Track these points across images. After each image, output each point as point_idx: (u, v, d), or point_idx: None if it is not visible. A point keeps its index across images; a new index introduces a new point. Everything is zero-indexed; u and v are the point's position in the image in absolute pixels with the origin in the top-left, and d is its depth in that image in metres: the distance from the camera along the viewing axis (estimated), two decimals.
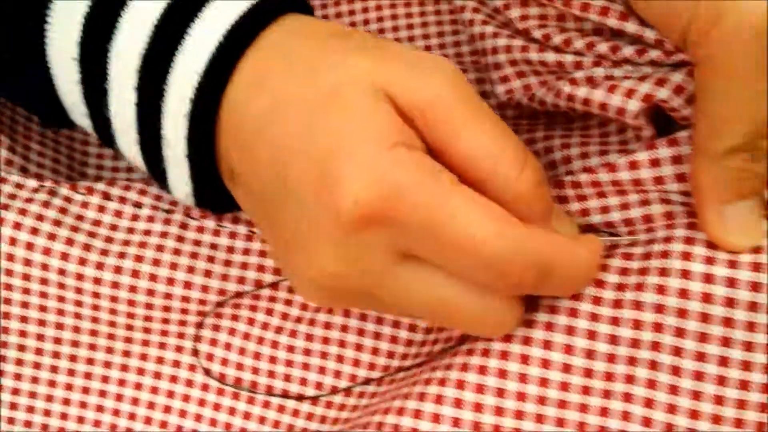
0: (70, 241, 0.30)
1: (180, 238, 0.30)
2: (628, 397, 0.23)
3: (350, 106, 0.22)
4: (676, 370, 0.23)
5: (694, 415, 0.22)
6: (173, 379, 0.30)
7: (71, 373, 0.31)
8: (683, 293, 0.23)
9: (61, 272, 0.30)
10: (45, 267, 0.30)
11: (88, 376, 0.31)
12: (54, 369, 0.31)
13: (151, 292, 0.29)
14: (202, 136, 0.26)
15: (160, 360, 0.30)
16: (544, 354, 0.24)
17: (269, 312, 0.30)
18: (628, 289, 0.24)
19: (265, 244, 0.30)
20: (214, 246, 0.30)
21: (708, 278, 0.23)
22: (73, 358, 0.31)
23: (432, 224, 0.21)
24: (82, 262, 0.30)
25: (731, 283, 0.22)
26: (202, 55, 0.25)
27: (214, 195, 0.27)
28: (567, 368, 0.24)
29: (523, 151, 0.23)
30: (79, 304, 0.30)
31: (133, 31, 0.26)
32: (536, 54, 0.27)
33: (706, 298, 0.22)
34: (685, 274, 0.23)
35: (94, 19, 0.26)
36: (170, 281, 0.29)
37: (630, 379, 0.23)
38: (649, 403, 0.23)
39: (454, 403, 0.24)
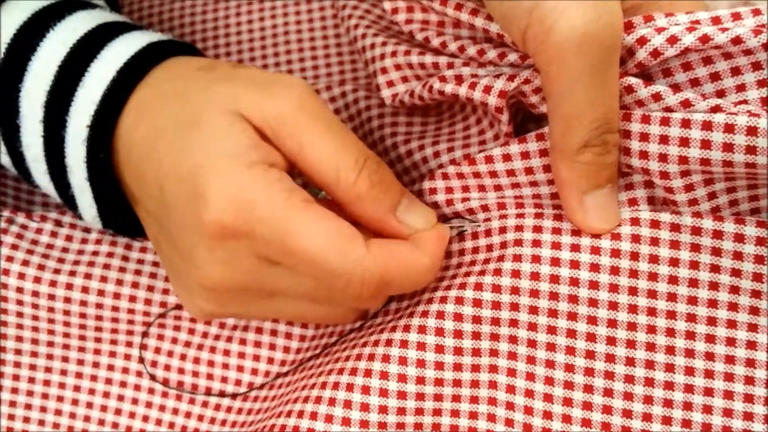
0: (26, 263, 0.33)
1: (125, 258, 0.33)
2: (492, 384, 0.27)
3: (210, 126, 0.26)
4: (531, 343, 0.26)
5: (549, 398, 0.26)
6: (123, 384, 0.34)
7: (32, 380, 0.34)
8: (534, 276, 0.26)
9: (19, 290, 0.33)
10: (4, 286, 0.33)
11: (47, 383, 0.34)
12: (16, 377, 0.34)
13: (99, 306, 0.33)
14: (100, 161, 0.29)
15: (110, 367, 0.34)
16: (401, 352, 0.27)
17: (208, 322, 0.33)
18: (487, 274, 0.27)
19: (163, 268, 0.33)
20: (156, 264, 0.33)
21: (555, 261, 0.26)
22: (32, 367, 0.34)
23: (278, 236, 0.25)
24: (37, 280, 0.33)
25: (574, 264, 0.26)
26: (99, 88, 0.28)
27: (120, 218, 0.31)
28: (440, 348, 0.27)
29: (362, 157, 0.26)
30: (36, 318, 0.33)
31: (40, 71, 0.29)
32: (417, 57, 0.30)
33: (554, 279, 0.26)
34: (536, 259, 0.26)
35: (6, 65, 0.30)
36: (116, 295, 0.33)
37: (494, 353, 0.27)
38: (510, 389, 0.26)
39: (347, 387, 0.27)
